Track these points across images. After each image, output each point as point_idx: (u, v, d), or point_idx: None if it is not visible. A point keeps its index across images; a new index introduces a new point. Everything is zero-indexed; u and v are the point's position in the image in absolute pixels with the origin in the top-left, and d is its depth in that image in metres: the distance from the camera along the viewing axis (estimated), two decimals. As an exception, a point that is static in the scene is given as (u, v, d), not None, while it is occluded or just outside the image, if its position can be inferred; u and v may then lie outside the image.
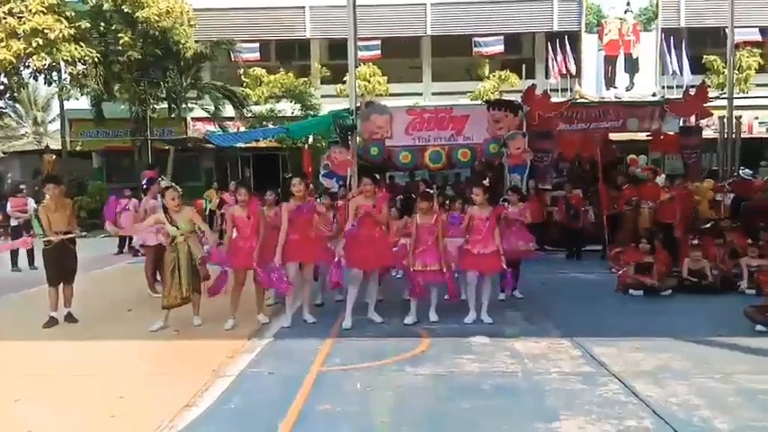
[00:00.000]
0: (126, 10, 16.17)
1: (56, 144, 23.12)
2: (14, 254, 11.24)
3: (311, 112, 19.19)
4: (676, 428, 3.84)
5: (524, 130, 12.63)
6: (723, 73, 18.65)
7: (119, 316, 7.25)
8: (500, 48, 20.91)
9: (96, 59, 15.80)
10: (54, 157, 20.53)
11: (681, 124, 13.34)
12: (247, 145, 18.83)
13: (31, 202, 11.43)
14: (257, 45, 21.18)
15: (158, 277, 8.31)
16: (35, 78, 16.30)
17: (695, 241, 8.84)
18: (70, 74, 15.95)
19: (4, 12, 14.33)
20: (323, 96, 20.26)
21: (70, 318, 6.86)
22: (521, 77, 20.66)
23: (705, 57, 20.41)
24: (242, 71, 20.12)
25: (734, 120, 14.75)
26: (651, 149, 15.53)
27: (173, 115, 19.18)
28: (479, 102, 16.67)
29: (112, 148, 21.31)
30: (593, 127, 12.96)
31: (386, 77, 20.92)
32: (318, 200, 8.00)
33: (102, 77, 16.54)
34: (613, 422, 3.96)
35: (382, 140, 12.76)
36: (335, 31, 19.65)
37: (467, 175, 15.15)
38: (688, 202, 10.69)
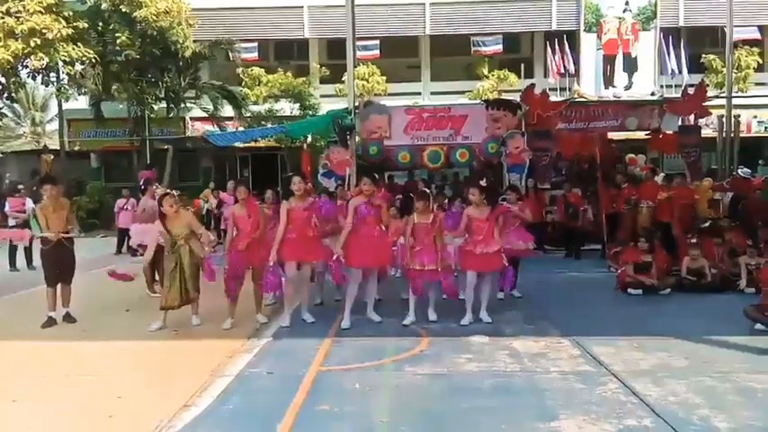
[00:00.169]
0: (124, 10, 16.12)
1: (54, 144, 23.07)
2: (12, 254, 11.22)
3: (310, 112, 19.16)
4: (675, 427, 3.84)
5: (523, 130, 12.63)
6: (722, 72, 18.62)
7: (117, 316, 7.25)
8: (498, 47, 20.89)
9: (94, 60, 15.77)
10: (52, 157, 20.49)
11: (680, 123, 13.34)
12: (246, 145, 18.80)
13: (29, 203, 11.39)
14: (256, 45, 21.12)
15: (157, 277, 8.31)
16: (33, 78, 16.26)
17: (694, 240, 8.85)
18: (68, 74, 15.92)
19: (1, 12, 14.29)
20: (322, 96, 20.22)
21: (68, 318, 6.86)
22: (519, 77, 20.63)
23: (704, 56, 20.38)
24: (241, 71, 20.07)
25: (732, 119, 14.77)
26: (650, 148, 15.53)
27: (171, 115, 19.12)
28: (478, 101, 16.64)
29: (111, 148, 21.26)
30: (591, 126, 12.96)
31: (384, 77, 20.89)
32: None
33: (100, 77, 16.50)
34: (613, 421, 3.95)
35: (381, 140, 12.76)
36: (334, 30, 19.60)
37: (465, 174, 15.15)
38: (686, 200, 10.67)
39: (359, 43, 17.68)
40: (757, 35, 20.14)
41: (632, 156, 14.78)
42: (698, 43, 21.04)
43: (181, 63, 18.02)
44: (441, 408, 4.27)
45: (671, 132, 13.13)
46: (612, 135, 14.09)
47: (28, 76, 16.23)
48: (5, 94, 16.63)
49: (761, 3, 19.56)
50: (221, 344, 5.90)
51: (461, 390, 4.60)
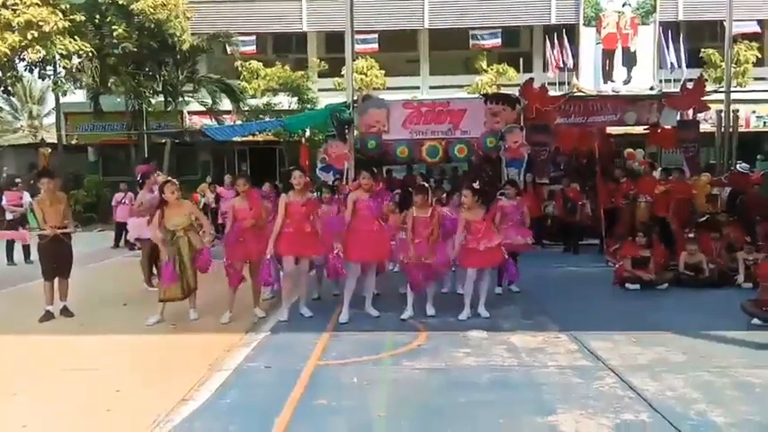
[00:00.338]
0: (121, 2, 16.04)
1: (51, 137, 23.01)
2: (10, 248, 11.20)
3: (308, 106, 19.12)
4: (673, 422, 3.85)
5: (522, 124, 12.61)
6: (721, 67, 18.62)
7: (115, 310, 7.24)
8: (497, 41, 20.84)
9: (91, 53, 15.70)
10: (50, 150, 20.42)
11: (678, 118, 13.33)
12: (244, 139, 18.75)
13: (27, 196, 11.37)
14: (254, 38, 21.07)
15: (154, 271, 8.31)
16: (30, 71, 16.20)
17: (692, 235, 8.86)
18: (65, 68, 15.85)
19: (-2, 4, 14.24)
20: (320, 90, 20.17)
21: (66, 312, 6.85)
22: (518, 71, 20.60)
23: (703, 50, 20.37)
24: (239, 64, 20.00)
25: (731, 114, 14.75)
26: (649, 143, 15.52)
27: (169, 109, 19.06)
28: (477, 95, 16.62)
29: (108, 142, 21.20)
30: (590, 121, 12.94)
31: (383, 71, 20.84)
32: (317, 194, 7.99)
33: (97, 71, 16.43)
34: (610, 416, 3.96)
35: (379, 134, 12.74)
36: (332, 23, 19.55)
37: (464, 168, 15.14)
38: (683, 195, 10.67)
39: (357, 37, 17.63)
40: (757, 29, 20.10)
41: (630, 150, 14.77)
42: (697, 37, 21.02)
43: (178, 56, 17.94)
44: (438, 402, 4.27)
45: (669, 127, 13.12)
46: (611, 129, 14.08)
47: (25, 70, 16.18)
48: (1, 88, 16.55)
49: (760, -3, 19.54)
50: (219, 338, 5.89)
51: (459, 384, 4.60)
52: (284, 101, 19.48)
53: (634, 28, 20.57)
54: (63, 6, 15.10)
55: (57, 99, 20.13)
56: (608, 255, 10.11)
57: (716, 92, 15.51)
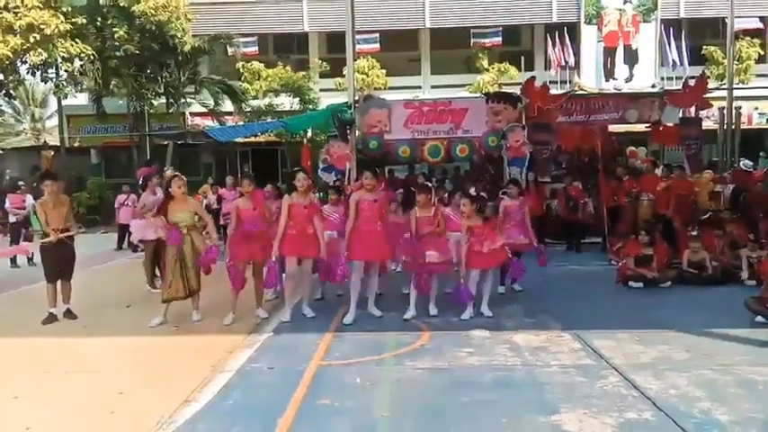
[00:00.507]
0: (122, 4, 16.07)
1: (54, 140, 23.06)
2: (13, 251, 11.23)
3: (310, 107, 19.13)
4: (676, 420, 3.84)
5: (523, 123, 12.59)
6: (723, 64, 18.55)
7: (118, 312, 7.25)
8: (498, 39, 20.83)
9: (93, 56, 15.73)
10: (52, 153, 20.46)
11: (680, 115, 13.30)
12: (246, 140, 18.75)
13: (30, 199, 11.39)
14: (255, 39, 21.08)
15: (157, 272, 8.32)
16: (32, 74, 16.23)
17: (694, 233, 8.83)
18: (66, 71, 15.88)
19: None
20: (321, 90, 20.17)
21: (69, 314, 6.86)
22: (520, 70, 20.58)
23: (705, 47, 20.31)
24: (240, 65, 20.02)
25: (733, 111, 14.71)
26: (651, 141, 15.49)
27: (171, 110, 19.09)
28: (478, 94, 16.60)
29: (111, 144, 21.25)
30: (592, 119, 12.92)
31: (384, 71, 20.84)
32: (319, 195, 8.00)
33: (99, 73, 16.45)
34: (614, 415, 3.95)
35: (381, 134, 12.73)
36: (334, 24, 19.56)
37: (466, 168, 15.13)
38: (685, 192, 10.64)
39: (358, 37, 17.63)
40: (759, 25, 20.04)
41: (633, 148, 14.75)
42: (699, 35, 20.96)
43: (180, 58, 17.95)
44: (441, 402, 4.27)
45: (672, 124, 13.10)
46: (613, 127, 14.05)
47: (27, 73, 16.21)
48: (3, 91, 16.59)
49: (762, -6, 19.48)
50: (222, 339, 5.90)
51: (462, 384, 4.60)
52: (286, 102, 19.48)
53: (635, 25, 20.52)
54: (64, 9, 15.13)
55: (59, 102, 20.16)
56: (611, 253, 10.09)
57: (718, 89, 15.49)
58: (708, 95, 13.13)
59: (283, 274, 6.61)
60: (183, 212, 6.47)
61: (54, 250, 6.71)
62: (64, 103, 19.61)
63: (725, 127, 14.53)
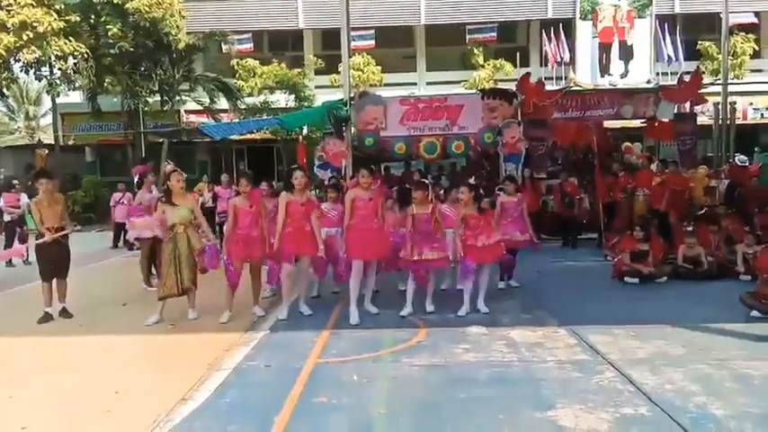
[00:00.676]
0: (116, 1, 16.00)
1: (48, 138, 22.96)
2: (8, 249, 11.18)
3: (305, 104, 19.09)
4: (672, 415, 3.85)
5: (519, 119, 12.59)
6: (718, 59, 18.61)
7: (114, 310, 7.23)
8: (493, 34, 20.82)
9: (87, 54, 15.66)
10: (47, 151, 20.37)
11: (675, 111, 13.32)
12: (241, 137, 18.73)
13: (24, 198, 11.34)
14: (250, 36, 21.02)
15: (153, 271, 8.30)
16: (26, 73, 16.16)
17: (690, 228, 8.86)
18: (60, 69, 15.81)
19: (-8, 5, 14.21)
20: (317, 87, 20.13)
21: (65, 313, 6.84)
22: (515, 66, 20.57)
23: (700, 43, 20.35)
24: (235, 62, 19.95)
25: (728, 106, 14.75)
26: (647, 136, 15.52)
27: (166, 108, 19.03)
28: (474, 91, 16.60)
29: (105, 142, 21.18)
30: (587, 115, 12.93)
31: (380, 67, 20.80)
32: (316, 192, 7.99)
33: (92, 71, 16.39)
34: (610, 410, 3.96)
35: (377, 131, 12.71)
36: (328, 20, 19.50)
37: (462, 164, 15.13)
38: (680, 187, 10.67)
39: (354, 33, 17.61)
40: (754, 20, 20.08)
41: (628, 144, 14.77)
42: (694, 30, 21.00)
43: (174, 55, 17.90)
44: (438, 398, 4.27)
45: (667, 120, 13.12)
46: (609, 123, 14.07)
47: (21, 71, 16.13)
48: (-4, 89, 16.53)
49: (757, -12, 19.51)
50: (218, 337, 5.89)
51: (459, 380, 4.60)
52: (281, 99, 19.44)
53: (630, 21, 20.53)
54: (57, 7, 15.05)
55: (53, 100, 20.08)
56: (606, 249, 10.11)
57: (713, 84, 15.52)
58: (703, 91, 13.16)
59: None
60: (180, 209, 6.46)
61: (49, 249, 6.69)
62: (58, 101, 19.53)
63: (720, 122, 14.57)
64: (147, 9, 15.97)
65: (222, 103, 19.36)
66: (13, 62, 15.45)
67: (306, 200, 6.46)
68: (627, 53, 20.58)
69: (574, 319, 6.17)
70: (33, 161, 20.16)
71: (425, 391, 4.42)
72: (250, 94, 19.47)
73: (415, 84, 21.40)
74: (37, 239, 6.79)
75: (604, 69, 20.61)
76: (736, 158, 13.35)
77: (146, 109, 19.15)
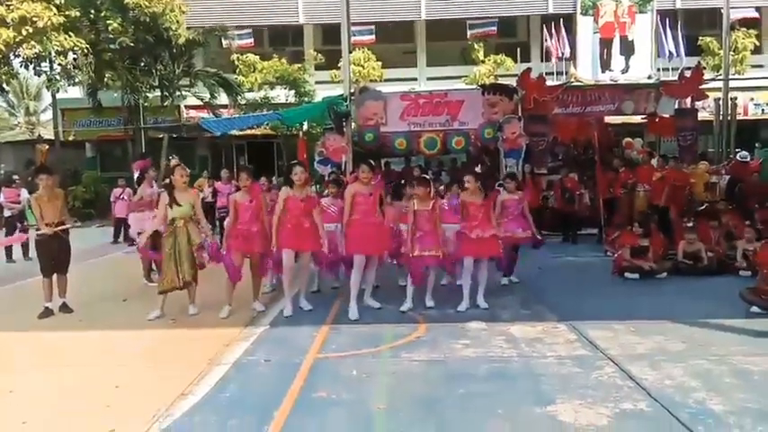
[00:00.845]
0: (116, -5, 15.99)
1: (49, 134, 22.94)
2: (9, 245, 11.18)
3: (305, 99, 19.06)
4: (672, 411, 3.85)
5: (520, 114, 12.58)
6: (719, 54, 18.55)
7: (114, 305, 7.24)
8: (493, 29, 20.78)
9: (87, 49, 15.63)
10: (47, 146, 20.37)
11: (676, 107, 13.30)
12: (242, 133, 18.70)
13: (25, 193, 11.35)
14: (250, 31, 20.98)
15: (154, 266, 8.30)
16: (26, 68, 16.13)
17: (690, 224, 8.85)
18: (60, 65, 15.78)
19: (-9, 0, 14.18)
20: (317, 83, 20.11)
21: (65, 308, 6.85)
22: (516, 61, 20.52)
23: (701, 38, 20.30)
24: (235, 58, 19.92)
25: (729, 101, 14.72)
26: (648, 132, 15.49)
27: (166, 103, 19.01)
28: (474, 86, 16.56)
29: (106, 138, 21.17)
30: (588, 110, 12.92)
31: (380, 63, 20.76)
32: (316, 188, 7.98)
33: (92, 66, 16.36)
34: (609, 405, 3.97)
35: (377, 127, 12.69)
36: (329, 15, 19.44)
37: (463, 160, 15.12)
38: (680, 183, 10.66)
39: (354, 28, 17.56)
40: (755, 14, 20.02)
41: (629, 139, 14.75)
42: (695, 25, 20.94)
43: (174, 50, 17.86)
44: (437, 394, 4.27)
45: (668, 116, 13.10)
46: (610, 119, 14.05)
47: (20, 66, 16.11)
48: (-5, 84, 16.51)
49: (758, -17, 19.45)
50: (218, 332, 5.90)
51: (458, 375, 4.60)
52: (281, 94, 19.41)
53: (632, 16, 20.48)
54: (57, 1, 15.01)
55: (53, 95, 20.07)
56: (607, 244, 10.11)
57: (714, 80, 15.47)
58: (704, 86, 13.13)
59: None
60: (182, 203, 6.45)
61: (50, 244, 6.69)
62: (58, 96, 19.52)
63: (720, 118, 14.54)
64: (147, 4, 15.93)
65: (222, 98, 19.33)
66: (12, 57, 15.42)
67: (305, 196, 6.43)
68: (628, 48, 20.53)
69: (574, 314, 6.17)
70: (33, 157, 20.16)
71: (425, 387, 4.42)
72: (250, 90, 19.44)
73: (416, 79, 21.35)
74: (37, 235, 6.78)
75: (605, 65, 20.56)
76: (738, 154, 13.33)
77: (146, 104, 19.12)
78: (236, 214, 6.60)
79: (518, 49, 20.77)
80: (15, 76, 17.21)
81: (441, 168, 14.90)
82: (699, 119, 13.55)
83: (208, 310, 6.64)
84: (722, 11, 15.44)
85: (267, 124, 17.23)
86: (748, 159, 12.79)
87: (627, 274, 8.17)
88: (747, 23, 20.11)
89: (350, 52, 13.33)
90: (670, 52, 19.85)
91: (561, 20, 20.42)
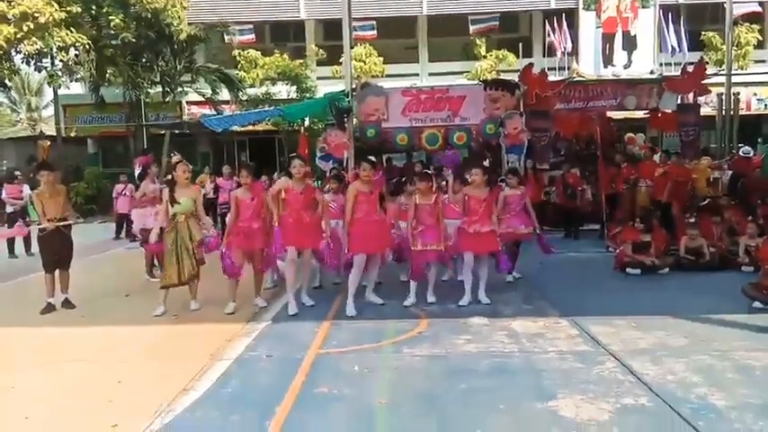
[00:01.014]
0: (117, -9, 15.97)
1: (50, 130, 22.97)
2: (11, 241, 11.21)
3: (307, 95, 19.03)
4: (673, 406, 3.85)
5: (521, 110, 12.54)
6: (721, 49, 18.48)
7: (116, 301, 7.26)
8: (495, 24, 20.71)
9: (88, 45, 15.61)
10: (49, 143, 20.38)
11: (678, 102, 13.25)
12: (243, 129, 18.65)
13: (27, 189, 11.36)
14: (252, 27, 20.94)
15: (156, 262, 8.31)
16: (27, 64, 16.13)
17: (692, 219, 8.83)
18: (62, 61, 15.78)
19: (-8, -4, 14.17)
20: (319, 78, 20.05)
21: (67, 303, 6.87)
22: (518, 56, 20.47)
23: (703, 33, 20.22)
24: (237, 53, 19.89)
25: (732, 97, 14.66)
26: (650, 127, 15.45)
27: (167, 99, 19.00)
28: (476, 82, 16.52)
29: (107, 134, 21.19)
30: (590, 106, 12.87)
31: (382, 58, 20.72)
32: (318, 183, 7.96)
33: (93, 63, 16.35)
34: (610, 400, 3.97)
35: (378, 122, 12.67)
36: (330, 11, 19.42)
37: (464, 155, 15.07)
38: (682, 178, 10.63)
39: (355, 24, 17.51)
40: (758, 9, 19.92)
41: (631, 135, 14.71)
42: (698, 20, 20.85)
43: (176, 46, 17.85)
44: (439, 389, 4.28)
45: (670, 111, 13.05)
46: (612, 114, 14.01)
47: (22, 62, 16.10)
48: (-3, 81, 16.52)
49: (761, -22, 19.36)
50: (220, 328, 5.91)
51: (460, 371, 4.61)
52: (283, 90, 19.38)
53: (634, 11, 20.41)
54: (59, -3, 15.00)
55: (54, 92, 20.08)
56: (609, 240, 10.10)
57: (716, 75, 15.42)
58: (706, 81, 13.07)
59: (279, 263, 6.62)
60: (184, 199, 6.45)
61: (52, 240, 6.71)
62: (60, 92, 19.52)
63: (723, 113, 14.49)
64: (148, 0, 15.91)
65: (224, 94, 19.32)
66: (14, 53, 15.42)
67: (304, 188, 6.36)
68: (630, 43, 20.46)
69: (575, 309, 6.17)
70: (36, 153, 20.18)
71: (426, 382, 4.42)
72: (252, 86, 19.40)
73: (418, 75, 21.31)
74: (39, 231, 6.79)
75: (607, 60, 20.50)
76: (740, 149, 13.29)
77: (147, 100, 19.12)
78: (237, 211, 6.60)
79: (520, 45, 20.72)
80: (17, 72, 17.21)
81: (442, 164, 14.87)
82: (701, 114, 13.48)
83: (210, 305, 6.66)
84: (725, 5, 15.35)
85: (269, 120, 17.20)
86: (751, 155, 12.76)
87: (628, 270, 8.16)
88: (750, 18, 20.02)
89: (351, 48, 13.26)
90: (672, 47, 19.77)
91: (563, 15, 20.34)
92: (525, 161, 12.10)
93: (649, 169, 10.93)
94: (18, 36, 14.26)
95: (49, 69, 16.45)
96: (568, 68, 19.96)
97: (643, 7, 20.39)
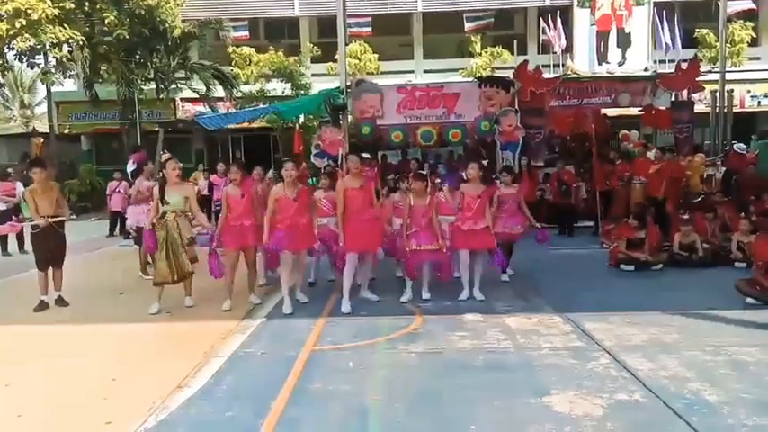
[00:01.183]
0: (111, -13, 15.90)
1: (44, 127, 22.84)
2: (4, 239, 11.15)
3: (302, 92, 18.99)
4: (666, 401, 3.87)
5: (516, 107, 12.56)
6: (715, 47, 18.55)
7: (110, 299, 7.23)
8: (490, 21, 20.72)
9: (81, 42, 15.53)
10: (42, 140, 20.28)
11: (672, 99, 13.30)
12: (238, 126, 18.64)
13: (20, 187, 11.28)
14: (246, 24, 20.87)
15: (150, 260, 8.28)
16: (20, 60, 16.03)
17: (686, 216, 8.87)
18: (55, 58, 15.69)
19: (-15, -8, 14.08)
20: (313, 75, 20.02)
21: (61, 301, 6.84)
22: (513, 54, 20.46)
23: (697, 30, 20.29)
24: (231, 50, 19.81)
25: (725, 94, 14.72)
26: (644, 124, 15.50)
27: (161, 96, 18.93)
28: (471, 79, 16.53)
29: (101, 131, 21.08)
30: (585, 103, 12.92)
31: (377, 55, 20.69)
32: (313, 181, 7.94)
33: (87, 60, 16.27)
34: (604, 396, 3.98)
35: (373, 119, 12.67)
36: (325, 8, 19.37)
37: (459, 152, 15.11)
38: (676, 175, 10.67)
39: (350, 20, 17.47)
40: (752, 6, 19.99)
41: (625, 132, 14.76)
42: (692, 18, 20.91)
43: (170, 43, 17.78)
44: (434, 385, 4.29)
45: (664, 108, 13.10)
46: (607, 111, 14.05)
47: (15, 59, 16.02)
48: (-10, 77, 16.42)
49: (755, -25, 19.41)
50: (215, 325, 5.89)
51: (455, 367, 4.62)
52: (278, 87, 19.34)
53: (628, 9, 20.44)
54: (52, -7, 14.92)
55: (48, 88, 19.95)
56: (603, 236, 10.12)
57: (710, 72, 15.48)
58: (700, 78, 13.14)
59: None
60: (175, 197, 6.41)
61: (45, 238, 6.67)
62: (53, 89, 19.41)
63: (717, 110, 14.55)
64: (142, -4, 15.86)
65: (218, 91, 19.25)
66: (7, 50, 15.33)
67: (297, 194, 6.25)
68: (624, 41, 20.51)
69: (569, 306, 6.19)
70: (29, 150, 20.06)
71: (421, 378, 4.43)
72: (246, 83, 19.34)
73: (412, 72, 21.29)
74: (32, 228, 6.76)
75: (602, 57, 20.54)
76: (735, 146, 13.35)
77: (141, 97, 19.03)
78: (228, 207, 6.58)
79: (515, 42, 20.70)
80: (10, 68, 17.11)
81: (437, 161, 14.89)
82: (695, 111, 13.57)
83: (204, 302, 6.64)
84: (719, 3, 15.41)
85: (263, 117, 17.16)
86: (745, 151, 12.82)
87: (622, 266, 8.19)
88: (744, 15, 20.09)
89: (346, 45, 13.25)
90: (667, 44, 19.82)
91: (558, 12, 20.36)
92: (520, 158, 12.13)
93: (643, 166, 10.96)
94: (11, 33, 14.20)
95: (42, 66, 16.36)
96: (563, 66, 19.99)
97: (637, 5, 20.43)
